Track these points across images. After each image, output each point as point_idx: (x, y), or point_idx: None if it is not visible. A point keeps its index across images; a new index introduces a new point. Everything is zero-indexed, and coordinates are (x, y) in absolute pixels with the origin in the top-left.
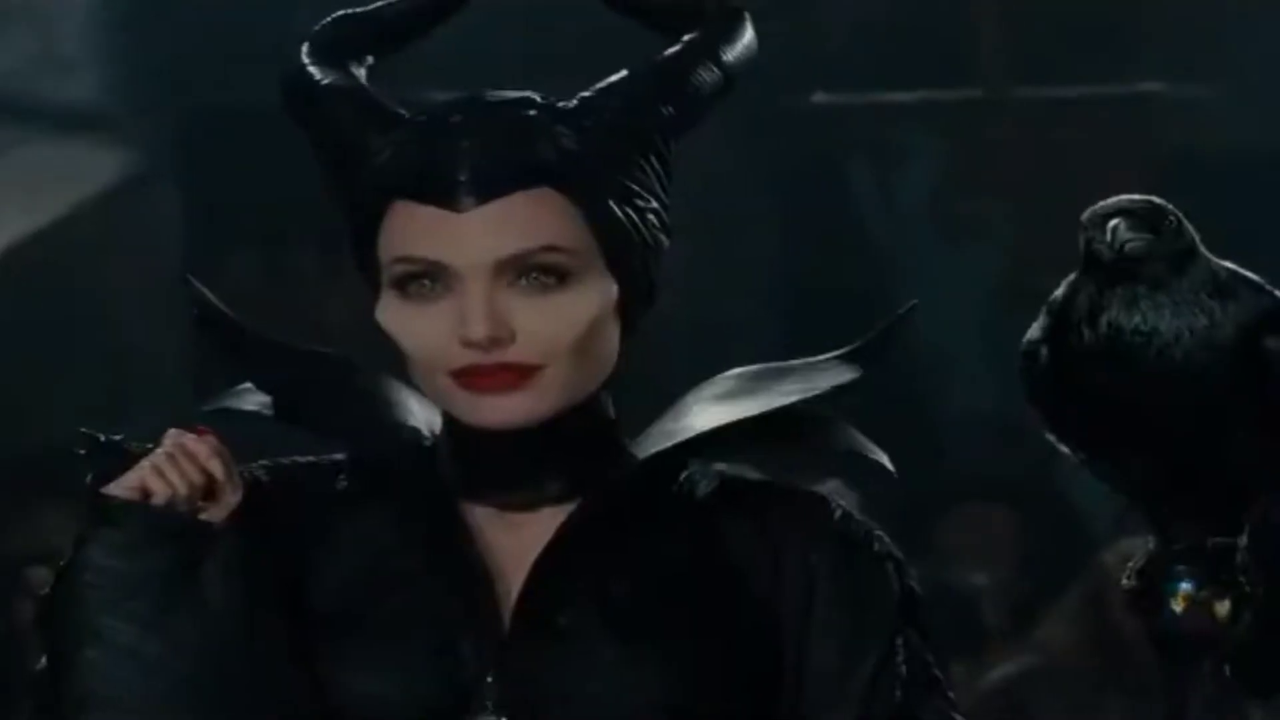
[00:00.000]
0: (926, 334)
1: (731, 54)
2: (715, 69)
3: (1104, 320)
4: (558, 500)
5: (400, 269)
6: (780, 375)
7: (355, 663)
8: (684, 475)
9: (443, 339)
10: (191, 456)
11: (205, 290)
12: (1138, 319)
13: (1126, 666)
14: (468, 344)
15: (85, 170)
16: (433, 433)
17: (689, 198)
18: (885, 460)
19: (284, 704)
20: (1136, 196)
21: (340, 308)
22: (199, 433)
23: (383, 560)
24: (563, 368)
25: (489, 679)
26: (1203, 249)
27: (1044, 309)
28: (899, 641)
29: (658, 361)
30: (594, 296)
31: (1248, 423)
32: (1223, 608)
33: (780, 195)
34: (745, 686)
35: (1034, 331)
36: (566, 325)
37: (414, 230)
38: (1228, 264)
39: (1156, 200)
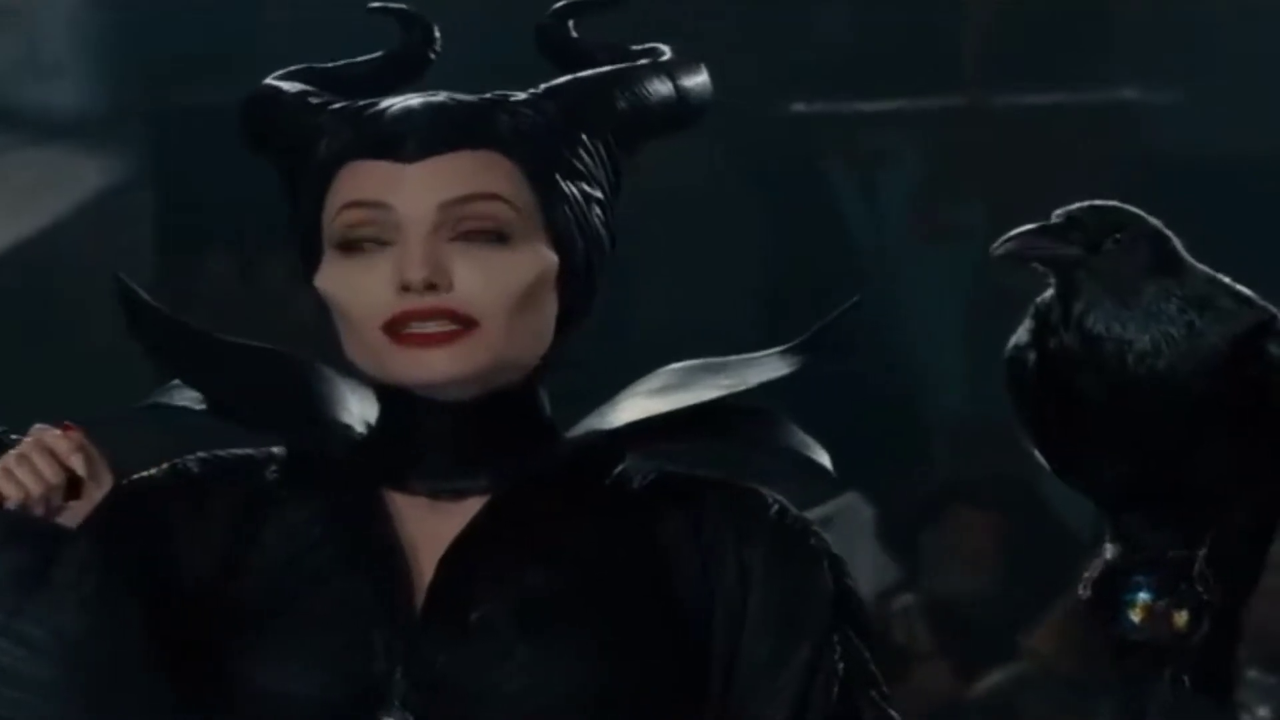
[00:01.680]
0: (908, 339)
1: (687, 80)
2: (670, 86)
3: (1082, 326)
4: (486, 491)
5: (343, 220)
6: (715, 370)
7: (265, 656)
8: (617, 468)
9: (381, 288)
10: (50, 453)
11: (134, 286)
12: (1105, 327)
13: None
14: (405, 288)
15: (65, 174)
16: (368, 425)
17: (673, 205)
18: (825, 460)
19: (154, 703)
20: (1102, 203)
21: (315, 309)
22: (64, 429)
23: (305, 553)
24: (497, 327)
25: (397, 673)
26: (1186, 258)
27: (1029, 312)
28: (835, 639)
29: (641, 367)
30: (534, 261)
31: (1223, 434)
32: (1181, 618)
33: (762, 202)
34: (664, 685)
35: (1020, 335)
36: (504, 282)
37: (361, 180)
38: (1214, 274)
39: (1123, 209)
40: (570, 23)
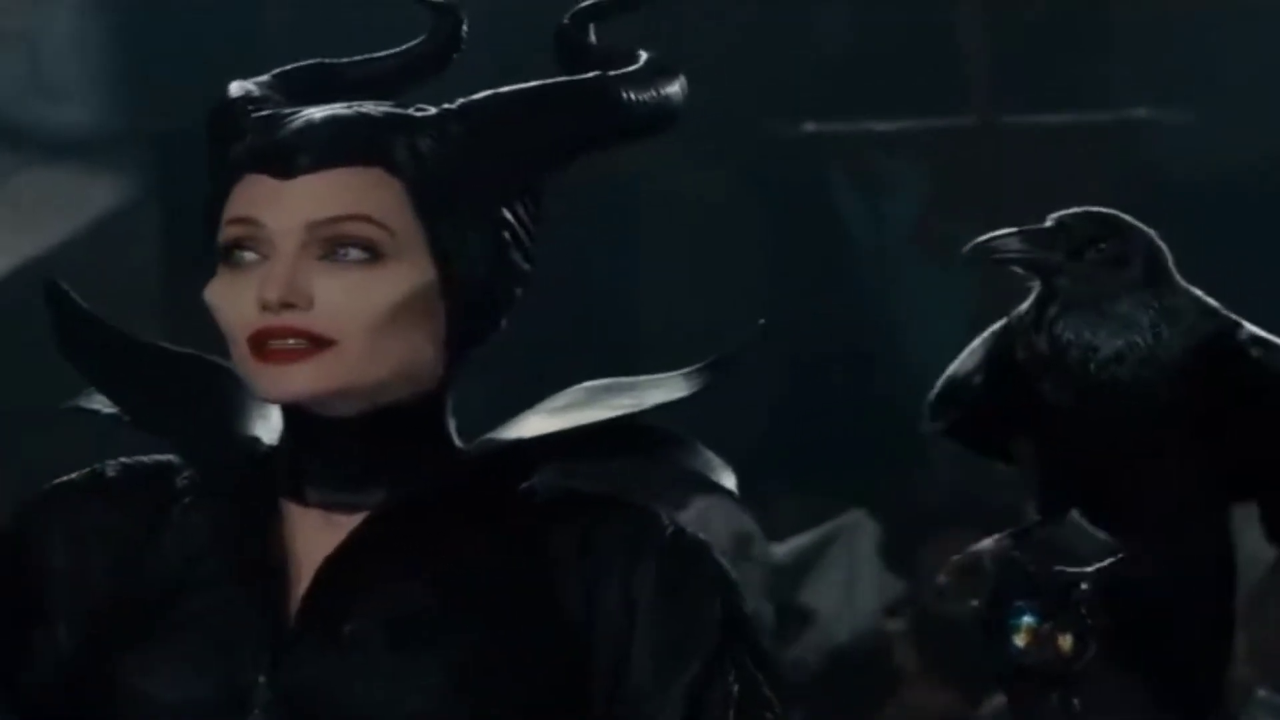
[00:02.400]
0: (912, 357)
1: (637, 96)
2: (610, 109)
3: (1052, 331)
4: (379, 505)
5: (227, 233)
6: (620, 390)
7: (143, 660)
8: (516, 485)
9: (247, 304)
10: None
11: (69, 290)
12: (1075, 333)
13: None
14: (263, 305)
15: (71, 194)
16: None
17: (680, 224)
18: (730, 482)
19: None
20: (1095, 210)
21: None
22: None
23: (194, 561)
24: (356, 345)
25: (261, 682)
26: (1171, 273)
27: (1007, 317)
28: (727, 664)
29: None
30: (403, 282)
31: (1187, 441)
32: (1065, 642)
33: (769, 222)
34: (537, 707)
35: (986, 338)
36: (366, 302)
37: (245, 196)
38: (1192, 290)
39: (1116, 217)
40: (590, 28)
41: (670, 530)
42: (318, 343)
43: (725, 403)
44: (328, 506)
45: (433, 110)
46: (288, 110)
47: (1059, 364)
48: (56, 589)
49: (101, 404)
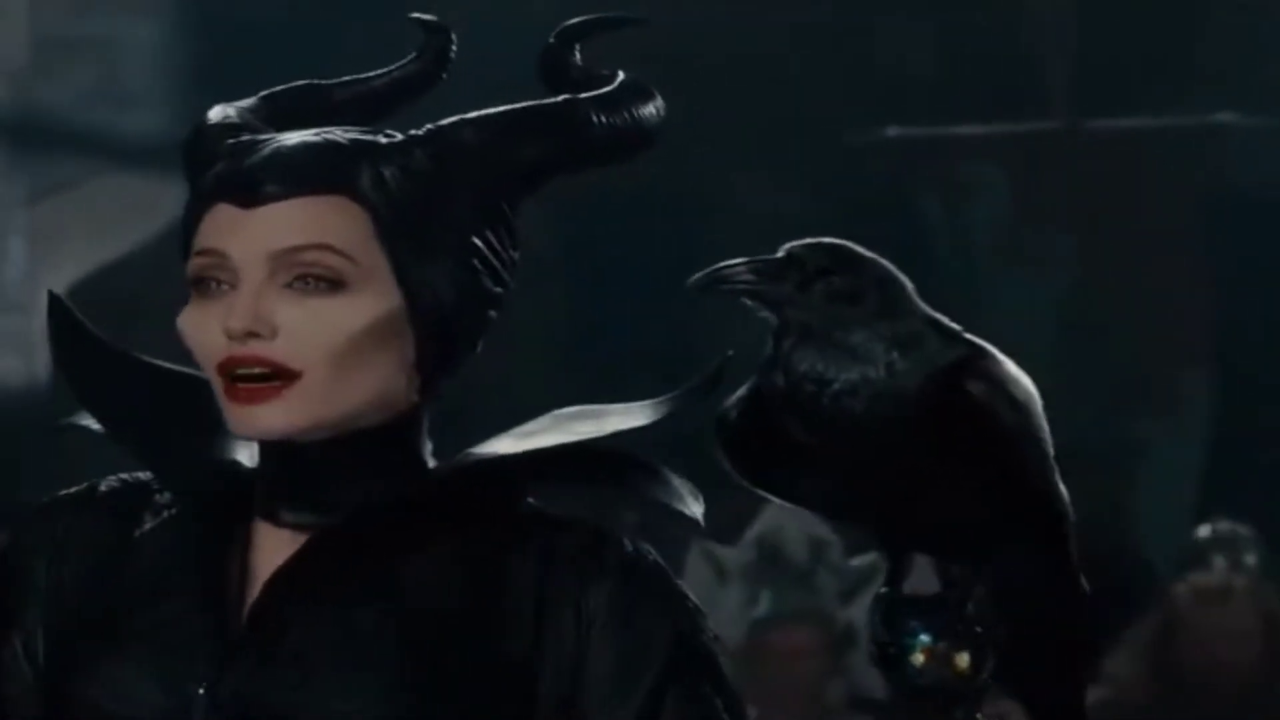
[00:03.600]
0: None
1: (607, 118)
2: (580, 132)
3: (787, 365)
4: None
5: (195, 262)
6: (585, 417)
7: (94, 675)
8: (472, 506)
9: (215, 333)
10: None
11: (68, 303)
12: (809, 366)
13: (1193, 700)
14: (228, 335)
15: (147, 201)
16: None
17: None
18: (697, 510)
19: None
20: (824, 241)
21: None
22: None
23: (159, 575)
24: (320, 376)
25: (201, 693)
26: (911, 302)
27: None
28: (682, 687)
29: (727, 395)
30: (367, 310)
31: (957, 472)
32: (962, 659)
33: (850, 228)
34: None
35: (731, 399)
36: (329, 331)
37: (211, 226)
38: (935, 316)
39: (846, 248)
40: (575, 48)
41: (628, 553)
42: (282, 374)
43: None
44: (299, 527)
45: (400, 136)
46: (262, 137)
47: (795, 398)
48: (38, 601)
49: (95, 422)
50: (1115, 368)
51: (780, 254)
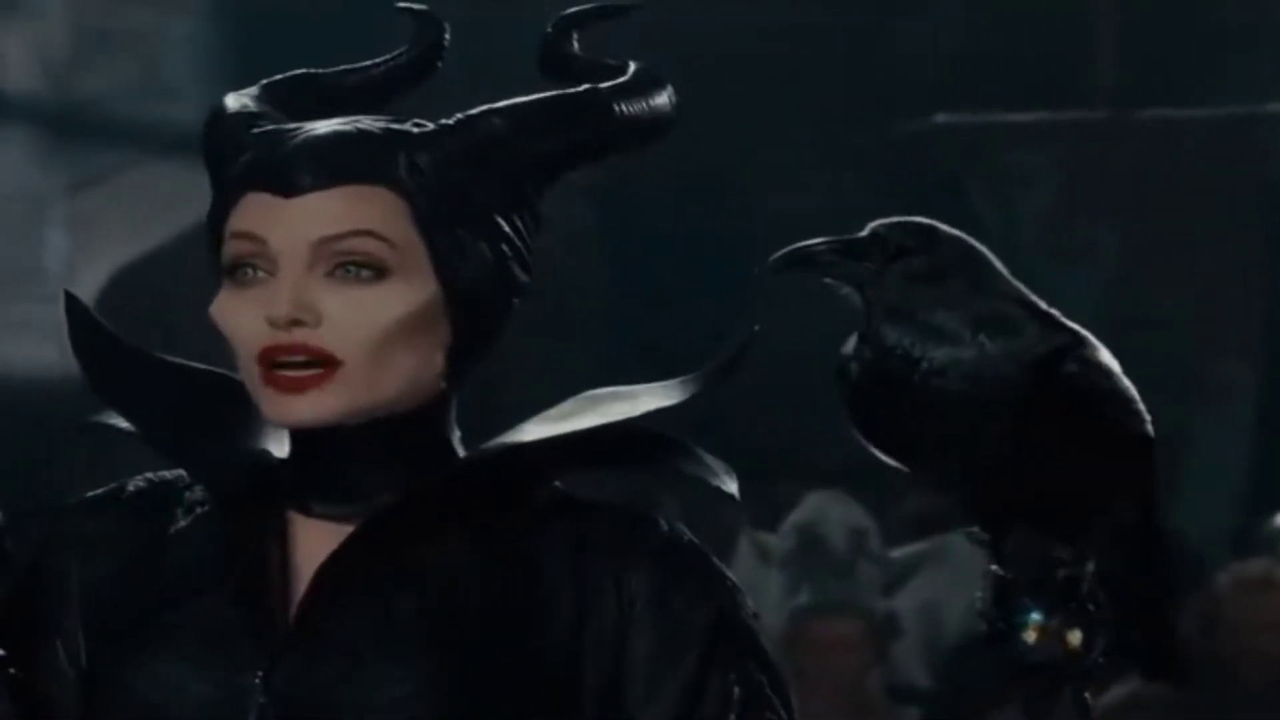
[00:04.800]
0: None
1: (629, 108)
2: (603, 121)
3: (875, 343)
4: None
5: (228, 250)
6: (617, 398)
7: (141, 669)
8: (515, 491)
9: (255, 320)
10: None
11: (84, 303)
12: (894, 342)
13: (1233, 690)
14: (272, 323)
15: (186, 193)
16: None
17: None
18: (731, 486)
19: None
20: (908, 220)
21: None
22: None
23: (197, 569)
24: (360, 365)
25: (258, 685)
26: (999, 277)
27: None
28: (730, 669)
29: (771, 385)
30: (408, 298)
31: (1057, 453)
32: (1074, 636)
33: (897, 216)
34: (524, 713)
35: (845, 347)
36: (372, 319)
37: (248, 213)
38: (1027, 295)
39: (930, 226)
40: (574, 36)
41: (666, 535)
42: (325, 361)
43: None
44: (331, 517)
45: (430, 125)
46: (289, 126)
47: (884, 375)
48: (74, 603)
49: (119, 420)
50: (1161, 358)
51: (865, 233)
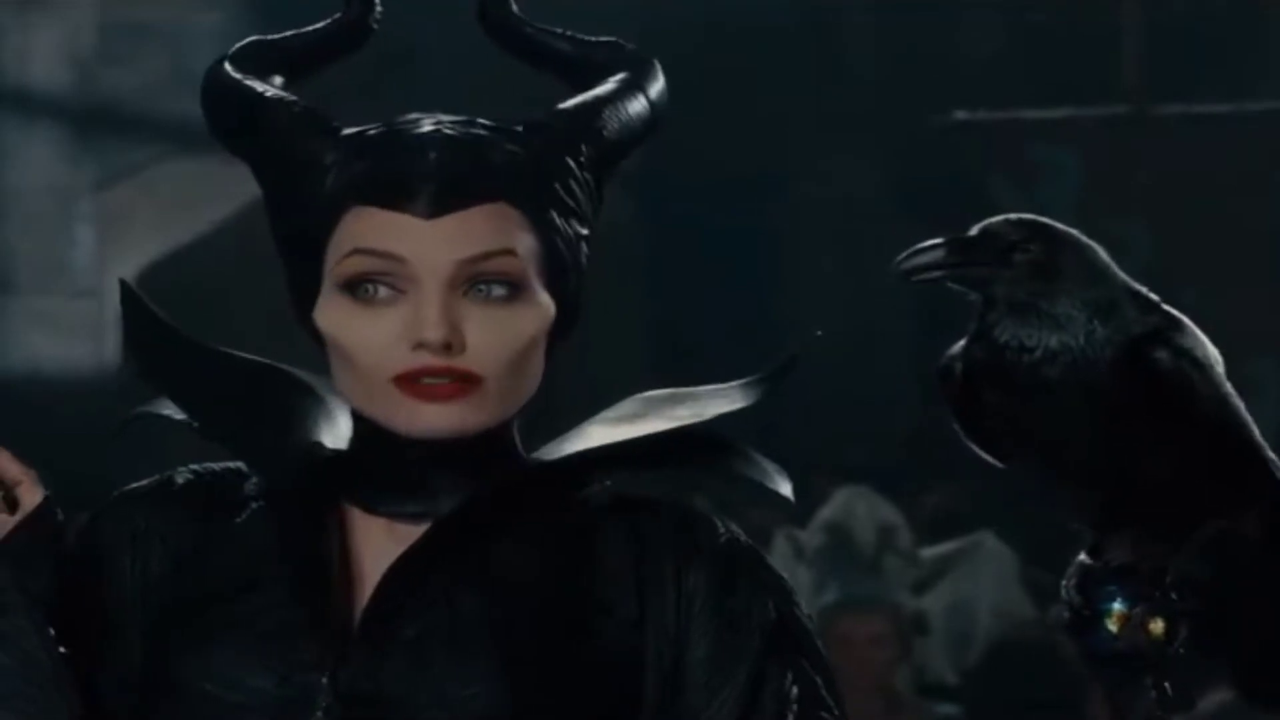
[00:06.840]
0: None
1: (655, 93)
2: (646, 106)
3: (989, 338)
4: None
5: (353, 265)
6: (679, 401)
7: (200, 664)
8: (576, 494)
9: (391, 342)
10: None
11: (139, 292)
12: (1010, 337)
13: None
14: (420, 346)
15: (213, 186)
16: (350, 442)
17: (832, 216)
18: (786, 489)
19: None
20: (1016, 216)
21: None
22: None
23: (255, 564)
24: (501, 382)
25: (324, 682)
26: (1107, 269)
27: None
28: (786, 669)
29: (799, 379)
30: (538, 313)
31: (1151, 440)
32: (1157, 626)
33: (922, 212)
34: (591, 710)
35: (954, 347)
36: (512, 338)
37: (376, 228)
38: (1132, 284)
39: (1037, 221)
40: (511, 5)
41: (724, 537)
42: (468, 381)
43: (882, 398)
44: (395, 516)
45: (517, 128)
46: (389, 130)
47: (995, 368)
48: (128, 596)
49: (171, 410)
50: None
51: (974, 231)
